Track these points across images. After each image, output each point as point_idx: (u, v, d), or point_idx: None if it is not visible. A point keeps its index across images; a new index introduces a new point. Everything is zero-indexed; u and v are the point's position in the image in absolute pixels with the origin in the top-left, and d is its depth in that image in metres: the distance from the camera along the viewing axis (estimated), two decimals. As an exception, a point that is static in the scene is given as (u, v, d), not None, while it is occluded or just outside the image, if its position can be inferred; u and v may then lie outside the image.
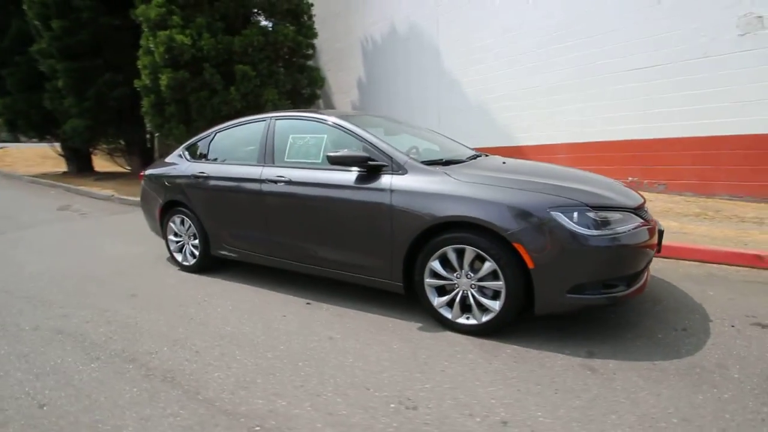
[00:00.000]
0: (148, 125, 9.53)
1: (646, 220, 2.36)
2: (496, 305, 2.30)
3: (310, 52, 9.55)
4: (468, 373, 2.05)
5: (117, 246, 4.93)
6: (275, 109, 8.31)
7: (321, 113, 3.10)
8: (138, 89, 8.42)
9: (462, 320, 2.43)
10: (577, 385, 1.92)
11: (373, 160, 2.62)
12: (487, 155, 3.34)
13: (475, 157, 3.13)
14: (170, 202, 3.78)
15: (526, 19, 6.99)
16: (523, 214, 2.18)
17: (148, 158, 13.83)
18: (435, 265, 2.44)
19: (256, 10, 8.98)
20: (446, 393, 1.90)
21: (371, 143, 2.71)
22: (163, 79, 7.61)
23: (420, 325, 2.58)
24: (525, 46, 7.05)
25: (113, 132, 10.39)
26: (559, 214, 2.14)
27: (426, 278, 2.49)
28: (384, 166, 2.61)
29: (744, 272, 3.30)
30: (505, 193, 2.27)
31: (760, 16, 4.69)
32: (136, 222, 6.84)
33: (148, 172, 4.08)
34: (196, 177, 3.55)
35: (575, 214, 2.14)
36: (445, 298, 2.47)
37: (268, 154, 3.16)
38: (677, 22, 5.39)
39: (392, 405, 1.83)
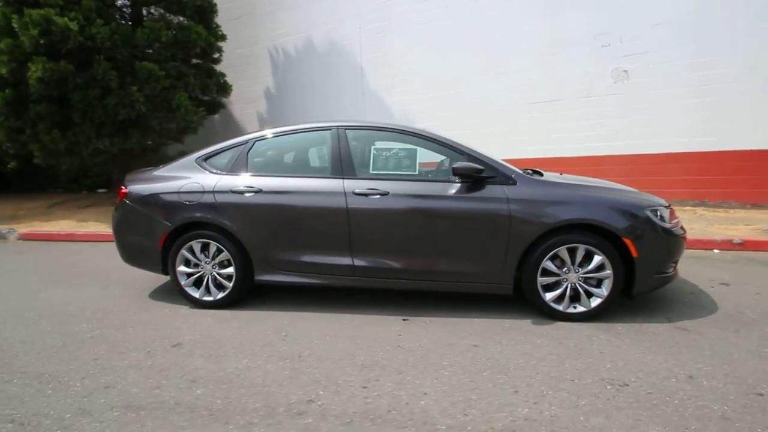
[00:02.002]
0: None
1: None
2: (603, 292, 2.74)
3: (217, 55, 8.66)
4: (620, 351, 2.40)
5: (53, 291, 3.68)
6: (187, 115, 7.24)
7: (399, 126, 3.06)
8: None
9: (571, 310, 2.79)
10: (692, 342, 2.49)
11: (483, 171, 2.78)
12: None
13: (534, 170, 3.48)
14: (186, 225, 3.06)
15: (451, 51, 7.91)
16: (628, 214, 2.69)
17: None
18: (548, 264, 2.75)
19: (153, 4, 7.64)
20: (627, 368, 2.21)
21: (475, 157, 2.85)
22: (35, 70, 5.80)
23: (530, 320, 2.83)
24: (450, 75, 7.96)
25: None
26: (651, 213, 2.73)
27: (538, 277, 2.78)
28: (492, 177, 2.80)
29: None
30: (610, 198, 2.76)
31: (625, 70, 6.57)
32: (26, 258, 5.04)
33: (139, 188, 3.19)
34: (238, 192, 2.98)
35: (658, 212, 2.77)
36: (556, 293, 2.79)
37: (346, 166, 2.93)
38: (570, 68, 7.03)
39: (608, 387, 2.05)
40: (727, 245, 4.54)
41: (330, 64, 9.11)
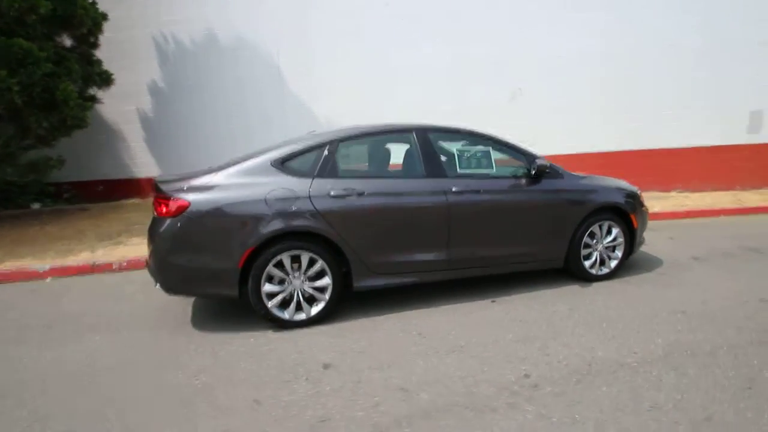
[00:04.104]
0: None
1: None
2: (618, 255, 3.68)
3: (94, 39, 6.99)
4: (651, 294, 3.31)
5: (34, 350, 2.74)
6: (76, 110, 5.71)
7: (467, 128, 3.39)
8: None
9: (599, 272, 3.64)
10: (677, 282, 3.58)
11: (545, 168, 3.38)
12: None
13: None
14: (275, 237, 2.69)
15: (373, 63, 8.27)
16: (629, 197, 3.69)
17: None
18: (587, 239, 3.54)
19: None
20: (669, 302, 3.12)
21: (537, 156, 3.42)
22: None
23: (577, 285, 3.55)
24: (372, 85, 8.33)
25: None
26: (638, 194, 3.80)
27: (581, 250, 3.53)
28: (548, 172, 3.42)
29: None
30: (618, 185, 3.71)
31: (520, 88, 8.22)
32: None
33: (208, 198, 2.63)
34: (339, 196, 2.80)
35: (639, 194, 3.87)
36: (591, 260, 3.59)
37: (437, 167, 3.10)
38: (477, 88, 8.31)
39: (679, 315, 2.90)
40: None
41: (242, 61, 8.33)
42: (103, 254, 4.84)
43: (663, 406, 1.93)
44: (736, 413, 1.85)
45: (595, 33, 7.93)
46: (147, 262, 2.90)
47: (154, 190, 2.89)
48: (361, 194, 2.89)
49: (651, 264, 4.10)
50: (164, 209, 2.68)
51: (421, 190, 3.03)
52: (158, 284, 2.78)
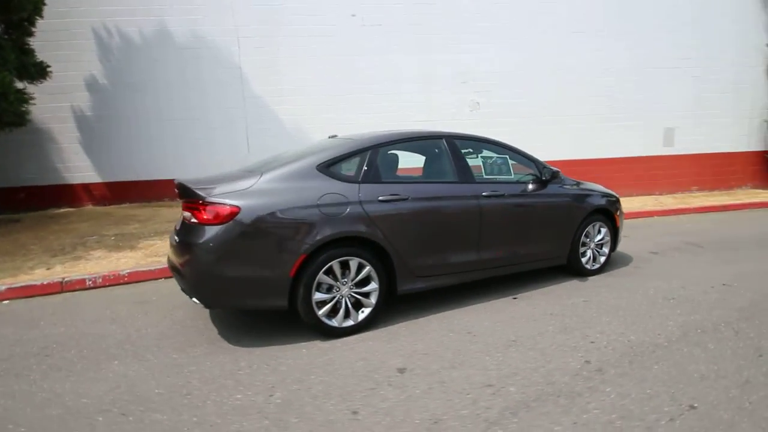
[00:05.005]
0: None
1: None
2: (606, 251, 4.14)
3: (28, 25, 6.07)
4: (640, 283, 3.79)
5: (50, 383, 2.32)
6: (16, 104, 4.94)
7: (485, 136, 3.57)
8: None
9: (592, 267, 4.06)
10: (653, 272, 4.15)
11: (552, 175, 3.70)
12: None
13: None
14: (325, 244, 2.60)
15: (340, 68, 8.24)
16: (612, 200, 4.18)
17: None
18: (584, 238, 3.93)
19: None
20: (656, 289, 3.60)
21: (544, 163, 3.72)
22: None
23: (576, 280, 3.93)
24: (339, 91, 8.28)
25: None
26: (617, 197, 4.32)
27: (579, 248, 3.92)
28: (555, 178, 3.74)
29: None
30: (603, 191, 4.18)
31: (478, 102, 8.76)
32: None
33: (259, 203, 2.47)
34: (387, 201, 2.79)
35: (617, 196, 4.39)
36: (587, 257, 4.00)
37: (467, 172, 3.23)
38: (440, 97, 8.69)
39: (671, 300, 3.36)
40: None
41: (203, 59, 7.74)
42: (63, 270, 4.20)
43: (708, 376, 2.25)
44: (765, 376, 2.23)
45: (526, 50, 8.76)
46: (180, 273, 2.62)
47: (181, 194, 2.64)
48: (405, 199, 2.93)
49: (623, 260, 4.65)
50: (205, 215, 2.45)
51: (458, 194, 3.16)
52: (195, 298, 2.53)
